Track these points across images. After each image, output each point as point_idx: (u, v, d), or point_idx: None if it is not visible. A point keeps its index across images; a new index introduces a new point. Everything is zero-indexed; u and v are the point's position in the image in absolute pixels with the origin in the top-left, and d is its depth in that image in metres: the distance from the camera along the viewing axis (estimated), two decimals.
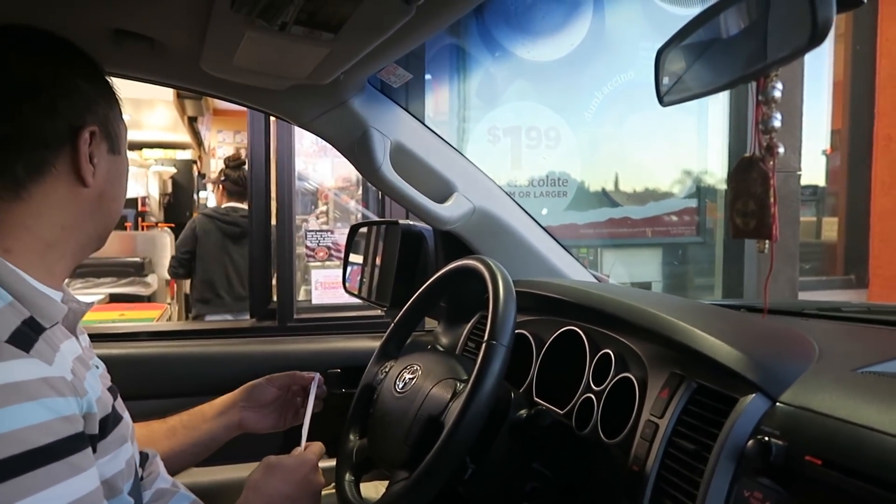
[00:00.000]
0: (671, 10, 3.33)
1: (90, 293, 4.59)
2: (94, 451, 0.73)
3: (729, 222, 0.70)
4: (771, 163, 0.61)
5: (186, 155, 9.50)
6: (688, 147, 3.52)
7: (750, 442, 0.69)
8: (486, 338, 0.91)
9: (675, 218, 3.48)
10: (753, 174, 0.62)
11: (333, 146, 1.37)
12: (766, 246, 0.65)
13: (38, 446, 0.63)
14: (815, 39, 0.54)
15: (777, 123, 0.60)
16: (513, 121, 3.21)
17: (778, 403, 0.72)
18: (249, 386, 1.20)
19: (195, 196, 8.93)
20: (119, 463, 0.80)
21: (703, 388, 0.82)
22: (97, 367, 0.85)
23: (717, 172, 3.56)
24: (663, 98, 0.74)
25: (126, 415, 0.87)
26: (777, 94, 0.61)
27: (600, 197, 3.41)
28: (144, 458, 0.98)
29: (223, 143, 11.34)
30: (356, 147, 1.32)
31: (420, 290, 1.19)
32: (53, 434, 0.65)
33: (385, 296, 1.59)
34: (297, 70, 1.04)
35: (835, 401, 0.68)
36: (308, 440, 1.09)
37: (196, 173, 9.27)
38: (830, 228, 4.61)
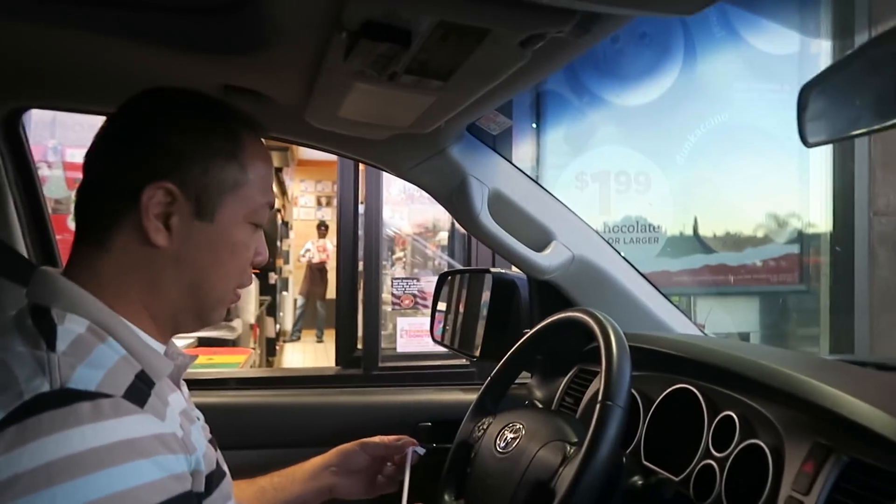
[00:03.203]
0: (767, 51, 3.22)
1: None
2: None
3: None
4: None
5: None
6: (787, 191, 3.35)
7: None
8: (600, 398, 0.86)
9: (773, 264, 3.31)
10: None
11: (430, 194, 1.35)
12: None
13: None
14: None
15: None
16: (601, 166, 3.16)
17: None
18: (342, 451, 1.16)
19: (278, 243, 9.20)
20: None
21: (858, 463, 0.73)
22: (198, 419, 0.84)
23: (819, 217, 3.37)
24: (808, 139, 0.68)
25: (226, 469, 0.85)
26: None
27: (693, 243, 3.29)
28: None
29: (305, 192, 11.74)
30: (454, 195, 1.31)
31: (521, 341, 1.14)
32: (166, 493, 0.63)
33: (469, 344, 1.56)
34: (400, 119, 1.03)
35: None
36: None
37: (280, 221, 9.55)
38: None
